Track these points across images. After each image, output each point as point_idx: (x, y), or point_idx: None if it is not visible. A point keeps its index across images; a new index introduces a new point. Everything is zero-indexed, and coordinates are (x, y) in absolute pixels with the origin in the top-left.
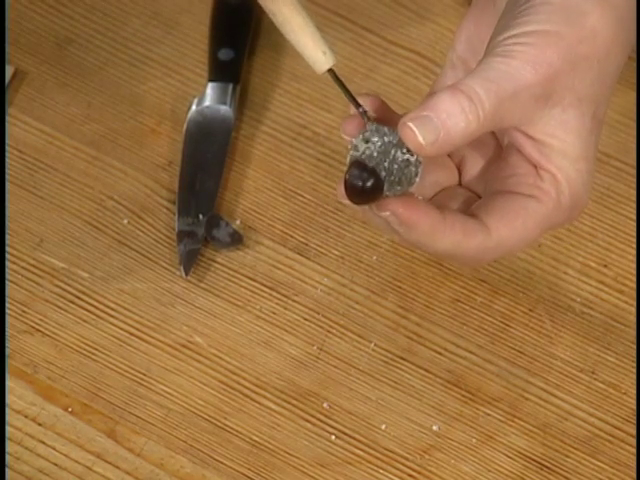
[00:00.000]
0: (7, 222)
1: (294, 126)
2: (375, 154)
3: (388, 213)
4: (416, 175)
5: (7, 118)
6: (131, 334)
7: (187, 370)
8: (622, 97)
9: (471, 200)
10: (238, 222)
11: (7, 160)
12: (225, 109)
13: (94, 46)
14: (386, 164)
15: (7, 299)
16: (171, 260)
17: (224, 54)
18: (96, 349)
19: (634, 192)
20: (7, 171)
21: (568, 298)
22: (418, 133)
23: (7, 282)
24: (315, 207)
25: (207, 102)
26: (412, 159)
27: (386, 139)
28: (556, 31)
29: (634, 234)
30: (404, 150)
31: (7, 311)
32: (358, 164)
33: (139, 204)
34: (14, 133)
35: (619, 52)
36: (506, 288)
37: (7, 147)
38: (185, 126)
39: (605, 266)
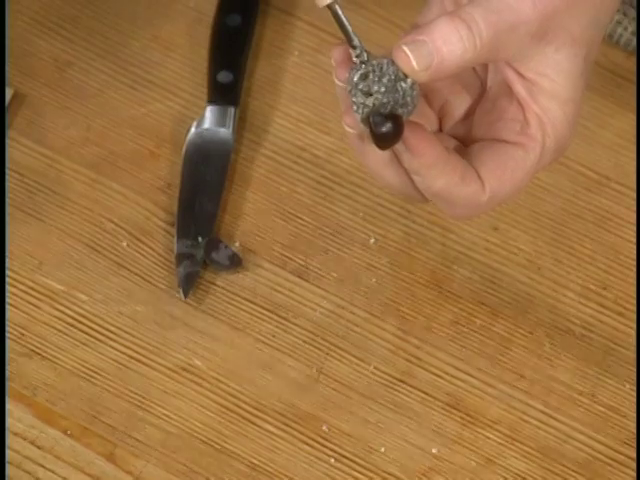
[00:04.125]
0: (7, 245)
1: (293, 149)
2: (385, 99)
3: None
4: (417, 94)
5: (7, 141)
6: (130, 357)
7: (186, 393)
8: (621, 119)
9: (456, 149)
10: (237, 245)
11: (7, 183)
12: (224, 131)
13: (94, 69)
14: (399, 99)
15: (7, 322)
16: (170, 283)
17: (223, 77)
18: (95, 372)
19: (633, 215)
20: (7, 194)
21: (568, 321)
22: (412, 58)
23: (7, 305)
24: (314, 230)
25: (206, 125)
26: (410, 81)
27: (385, 79)
28: None
29: (634, 257)
30: (405, 77)
31: (7, 334)
32: (379, 115)
33: (138, 227)
34: (13, 156)
35: (612, 1)
36: (506, 311)
37: (7, 170)
38: (184, 148)
39: (605, 289)
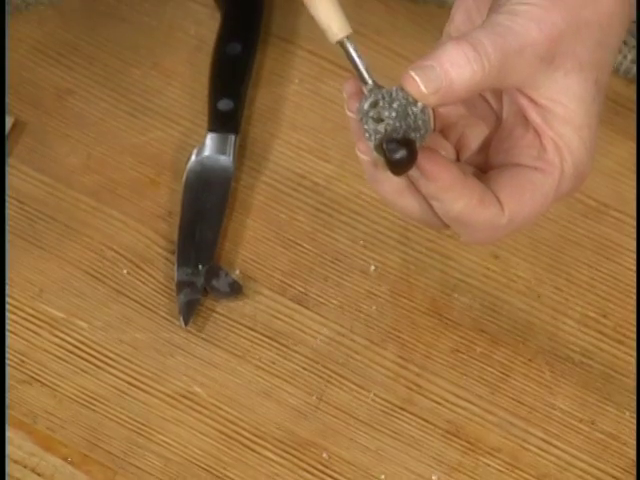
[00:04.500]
0: (7, 272)
1: (293, 176)
2: (397, 124)
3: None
4: (429, 117)
5: (7, 169)
6: (130, 384)
7: (186, 420)
8: (621, 147)
9: (474, 175)
10: (237, 272)
11: (7, 211)
12: (225, 159)
13: (94, 97)
14: (411, 123)
15: (7, 349)
16: (170, 310)
17: (224, 105)
18: (95, 399)
19: (633, 242)
20: (7, 222)
21: (567, 348)
22: (420, 82)
23: (7, 332)
24: (314, 257)
25: (207, 152)
26: (421, 105)
27: (395, 104)
28: None
29: (633, 284)
30: (415, 102)
31: (7, 362)
32: (392, 141)
33: (139, 254)
34: (14, 183)
35: (619, 22)
36: (505, 338)
37: (7, 197)
38: (185, 176)
39: (604, 316)
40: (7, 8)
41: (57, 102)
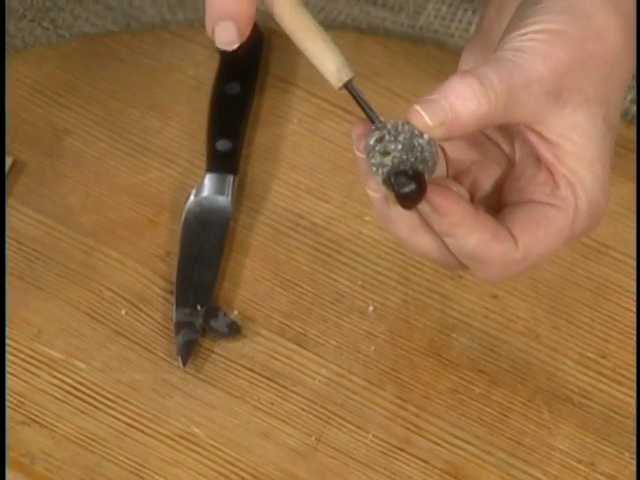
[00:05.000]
0: (7, 314)
1: (292, 216)
2: (404, 156)
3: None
4: (437, 150)
5: (7, 209)
6: (129, 425)
7: (185, 461)
8: (620, 188)
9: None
10: (236, 312)
11: (7, 252)
12: (223, 199)
13: (92, 137)
14: (418, 155)
15: (7, 391)
16: (169, 351)
17: (222, 145)
18: (94, 440)
19: (632, 283)
20: (7, 263)
21: (566, 389)
22: (425, 115)
23: (7, 375)
24: (313, 297)
25: (205, 193)
26: (427, 137)
27: (401, 137)
28: (563, 30)
29: (632, 325)
30: (421, 134)
31: (7, 403)
32: (400, 174)
33: (137, 295)
34: (12, 224)
35: (627, 57)
36: (504, 379)
37: (7, 239)
38: (183, 217)
39: (603, 357)
40: (6, 49)
41: (55, 142)
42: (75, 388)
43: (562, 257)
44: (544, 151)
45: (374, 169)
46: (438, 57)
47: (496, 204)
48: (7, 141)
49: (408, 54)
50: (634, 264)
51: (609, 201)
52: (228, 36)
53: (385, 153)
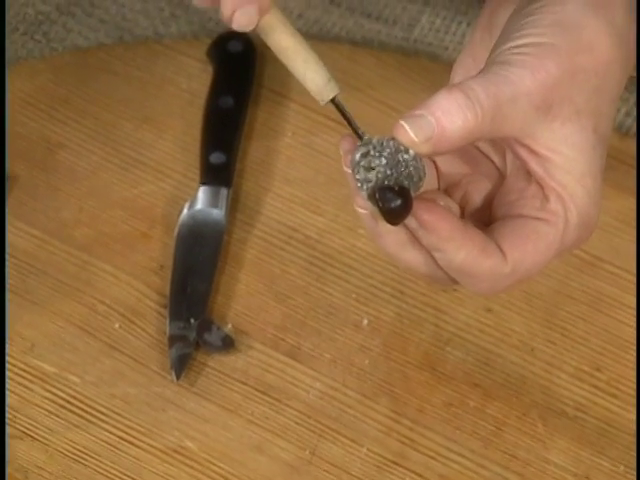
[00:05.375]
0: (7, 329)
1: (286, 229)
2: (388, 172)
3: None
4: (422, 165)
5: (7, 226)
6: (122, 439)
7: (178, 475)
8: (615, 201)
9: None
10: (229, 326)
11: (7, 269)
12: (217, 212)
13: (85, 150)
14: (403, 170)
15: (7, 407)
16: (162, 364)
17: (216, 158)
18: (87, 454)
19: (627, 296)
20: (7, 279)
21: (561, 402)
22: (410, 130)
23: (7, 391)
24: (307, 311)
25: (199, 206)
26: (412, 153)
27: (385, 152)
28: (552, 43)
29: (627, 338)
30: (407, 150)
31: (7, 420)
32: (384, 189)
33: (130, 308)
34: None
35: (619, 69)
36: (499, 392)
37: (7, 256)
38: (176, 230)
39: (598, 370)
40: (6, 65)
41: (48, 156)
42: (68, 402)
43: (557, 270)
44: (534, 165)
45: (359, 184)
46: (432, 70)
47: (486, 218)
48: (7, 159)
49: (402, 67)
50: (629, 277)
51: (604, 214)
52: (249, 19)
53: (369, 168)
